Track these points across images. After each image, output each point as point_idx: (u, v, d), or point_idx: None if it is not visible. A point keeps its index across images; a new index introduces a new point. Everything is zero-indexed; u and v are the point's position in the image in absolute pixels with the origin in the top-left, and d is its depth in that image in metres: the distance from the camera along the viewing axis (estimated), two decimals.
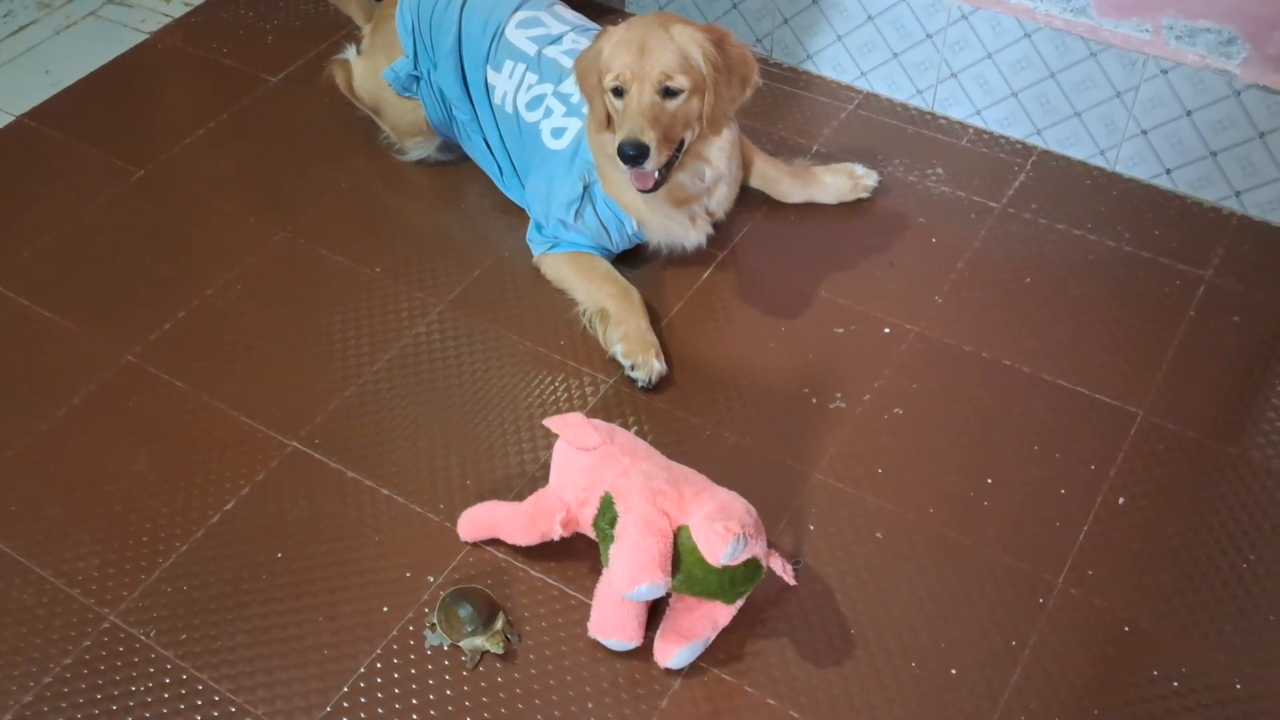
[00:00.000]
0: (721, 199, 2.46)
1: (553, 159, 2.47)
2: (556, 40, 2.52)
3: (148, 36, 3.19)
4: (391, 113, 2.73)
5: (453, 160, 2.77)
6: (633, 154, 2.16)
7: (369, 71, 2.72)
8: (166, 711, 1.83)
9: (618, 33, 2.25)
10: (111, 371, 2.33)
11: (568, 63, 2.46)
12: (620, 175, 2.34)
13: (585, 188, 2.41)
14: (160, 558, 2.03)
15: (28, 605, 1.97)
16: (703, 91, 2.23)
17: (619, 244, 2.47)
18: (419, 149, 2.76)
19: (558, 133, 2.45)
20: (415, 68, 2.62)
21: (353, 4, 2.95)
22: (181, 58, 3.14)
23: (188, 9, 3.26)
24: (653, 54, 2.19)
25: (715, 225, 2.50)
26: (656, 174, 2.23)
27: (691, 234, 2.44)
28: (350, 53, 2.80)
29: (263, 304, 2.46)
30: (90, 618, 1.95)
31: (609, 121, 2.28)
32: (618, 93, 2.22)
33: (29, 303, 2.47)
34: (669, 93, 2.20)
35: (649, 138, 2.16)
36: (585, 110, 2.39)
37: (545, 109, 2.47)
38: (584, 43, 2.49)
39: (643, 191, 2.26)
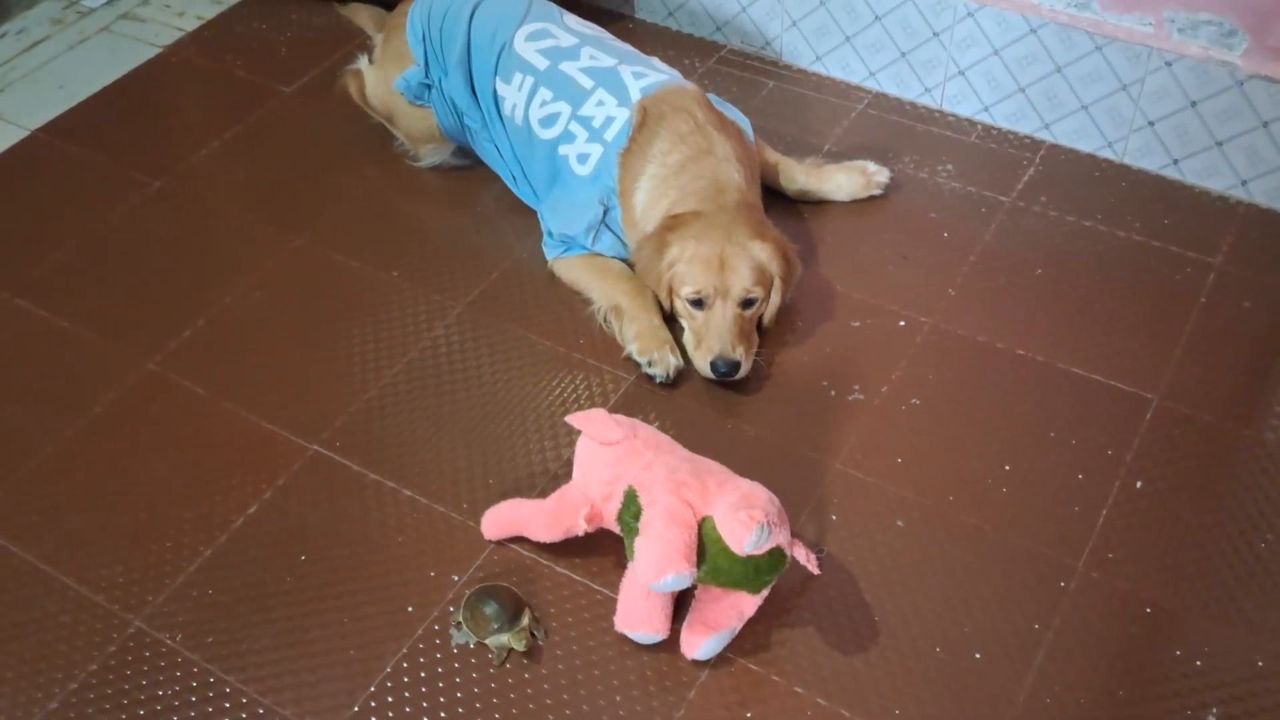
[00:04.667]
0: None
1: (576, 183, 2.49)
2: (572, 55, 2.52)
3: (161, 50, 3.21)
4: (405, 121, 2.75)
5: (468, 165, 2.79)
6: (725, 370, 2.24)
7: (381, 80, 2.75)
8: (194, 715, 1.84)
9: (689, 245, 2.28)
10: (132, 380, 2.35)
11: (587, 81, 2.48)
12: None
13: (605, 211, 2.44)
14: (184, 563, 2.04)
15: (52, 613, 1.98)
16: (770, 293, 2.31)
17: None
18: (433, 155, 2.78)
19: (583, 159, 2.47)
20: (426, 76, 2.64)
21: (364, 14, 2.99)
22: (195, 70, 3.16)
23: (200, 22, 3.29)
24: (734, 270, 2.25)
25: None
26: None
27: None
28: (362, 62, 2.82)
29: (281, 310, 2.48)
30: (115, 623, 1.96)
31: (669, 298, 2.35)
32: (697, 303, 2.28)
33: (49, 314, 2.49)
34: (747, 303, 2.27)
35: (739, 354, 2.24)
36: (607, 136, 2.42)
37: (565, 131, 2.48)
38: (603, 58, 2.51)
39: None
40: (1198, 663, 1.85)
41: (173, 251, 2.63)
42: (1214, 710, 1.79)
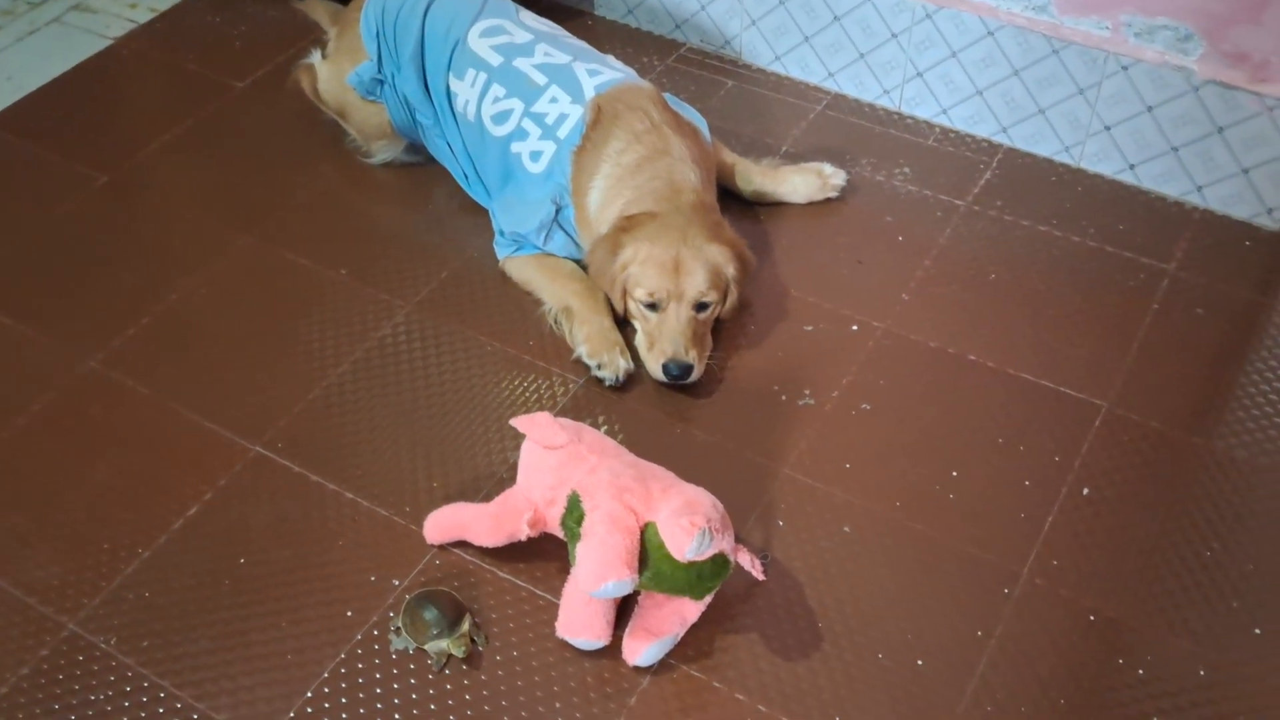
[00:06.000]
0: None
1: (528, 181, 2.47)
2: (526, 52, 2.50)
3: (112, 42, 3.17)
4: (357, 116, 2.72)
5: (419, 162, 2.76)
6: (678, 374, 2.22)
7: (334, 75, 2.72)
8: None
9: (642, 246, 2.25)
10: (73, 378, 2.31)
11: (540, 78, 2.45)
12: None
13: (558, 210, 2.41)
14: (122, 565, 2.00)
15: None
16: (725, 296, 2.30)
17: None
18: (385, 152, 2.76)
19: (535, 156, 2.45)
20: (379, 71, 2.62)
21: (319, 8, 2.95)
22: (147, 64, 3.12)
23: (153, 15, 3.25)
24: (689, 272, 2.24)
25: None
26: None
27: None
28: (315, 57, 2.79)
29: (227, 308, 2.45)
30: (49, 626, 1.92)
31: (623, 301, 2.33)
32: (651, 305, 2.26)
33: None
34: (701, 306, 2.26)
35: (692, 357, 2.22)
36: (560, 133, 2.40)
37: (518, 128, 2.46)
38: (558, 55, 2.49)
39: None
40: (1140, 671, 1.85)
41: (118, 247, 2.59)
42: (1155, 719, 1.78)
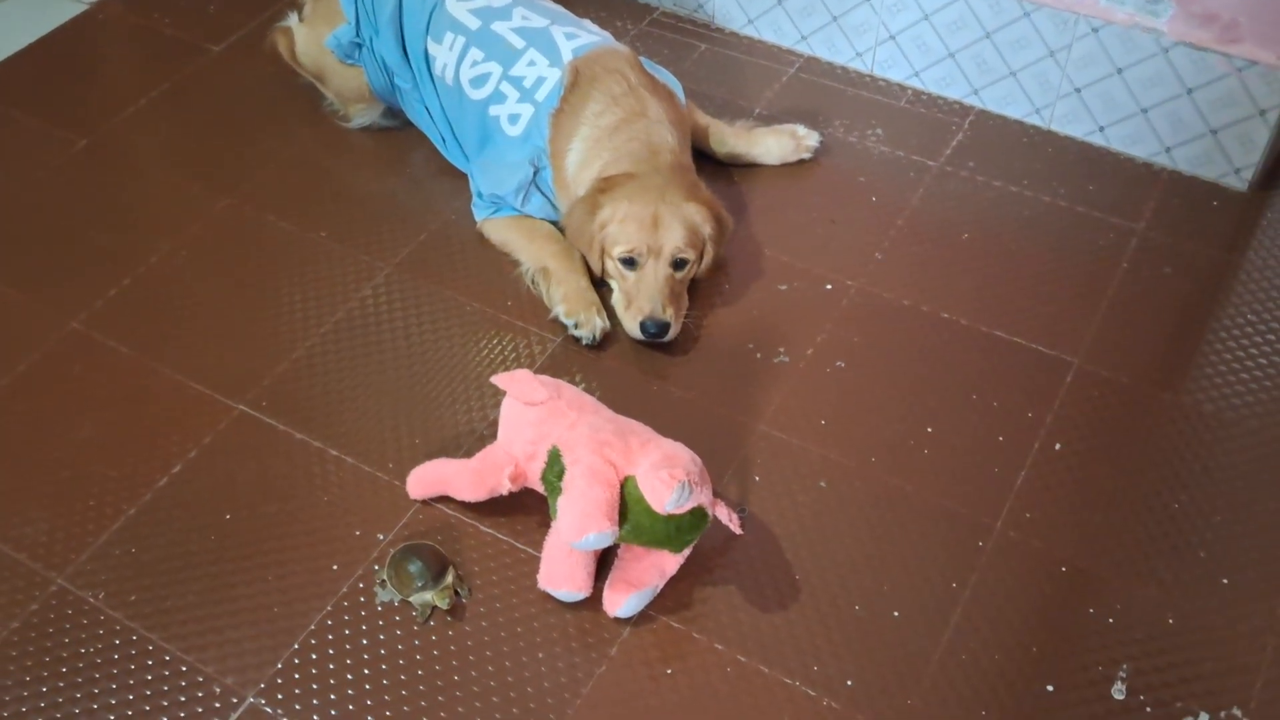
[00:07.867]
0: None
1: (506, 144, 2.48)
2: (504, 15, 2.51)
3: (88, 7, 3.15)
4: (335, 80, 2.72)
5: (397, 126, 2.77)
6: (655, 331, 2.24)
7: (311, 38, 2.72)
8: (116, 672, 1.83)
9: (621, 205, 2.27)
10: (55, 339, 2.32)
11: (518, 41, 2.46)
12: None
13: (536, 172, 2.43)
14: (108, 521, 2.02)
15: None
16: (702, 255, 2.32)
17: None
18: (363, 116, 2.76)
19: (514, 119, 2.46)
20: (357, 35, 2.62)
21: None
22: (123, 28, 3.11)
23: None
24: (667, 229, 2.26)
25: None
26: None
27: None
28: (293, 20, 2.79)
29: (208, 270, 2.46)
30: (38, 581, 1.94)
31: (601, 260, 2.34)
32: (628, 263, 2.28)
33: None
34: (679, 264, 2.28)
35: (669, 315, 2.25)
36: (538, 96, 2.41)
37: (496, 92, 2.47)
38: (535, 19, 2.50)
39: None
40: (1110, 620, 1.89)
41: (98, 210, 2.59)
42: (1125, 666, 1.83)
